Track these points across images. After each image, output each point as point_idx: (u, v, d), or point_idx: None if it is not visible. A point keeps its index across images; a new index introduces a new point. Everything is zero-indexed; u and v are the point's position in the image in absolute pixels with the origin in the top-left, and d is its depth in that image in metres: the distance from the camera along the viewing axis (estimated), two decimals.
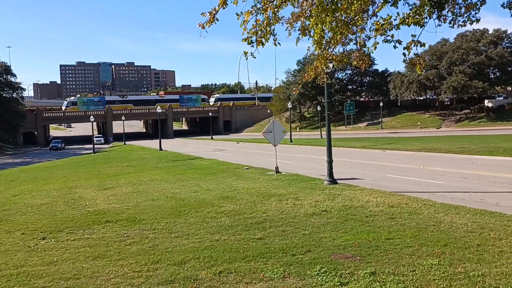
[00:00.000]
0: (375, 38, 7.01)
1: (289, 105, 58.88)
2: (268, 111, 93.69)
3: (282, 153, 31.24)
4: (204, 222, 10.43)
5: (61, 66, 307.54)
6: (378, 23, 6.90)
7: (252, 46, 6.53)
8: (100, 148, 55.37)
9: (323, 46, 7.50)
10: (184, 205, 12.78)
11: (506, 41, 69.04)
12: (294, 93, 59.89)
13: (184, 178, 20.09)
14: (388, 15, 6.92)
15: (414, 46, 6.87)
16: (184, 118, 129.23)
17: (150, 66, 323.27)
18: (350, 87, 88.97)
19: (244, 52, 6.57)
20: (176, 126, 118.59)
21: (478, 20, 7.29)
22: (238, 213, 11.27)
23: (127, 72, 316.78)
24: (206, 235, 9.10)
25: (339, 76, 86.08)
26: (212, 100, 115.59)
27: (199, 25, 6.63)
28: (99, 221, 10.94)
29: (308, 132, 79.01)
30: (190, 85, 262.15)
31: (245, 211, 11.50)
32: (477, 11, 7.27)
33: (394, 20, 6.85)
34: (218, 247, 8.13)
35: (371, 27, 7.37)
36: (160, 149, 46.28)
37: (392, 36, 6.83)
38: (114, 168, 28.70)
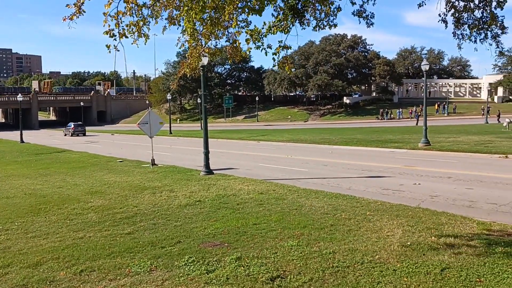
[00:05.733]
0: (248, 45, 7.24)
1: (169, 96, 57.90)
2: (147, 102, 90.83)
3: (161, 145, 30.68)
4: (67, 219, 9.77)
5: None
6: (249, 31, 7.15)
7: (115, 39, 6.16)
8: None
9: (195, 40, 7.48)
10: (46, 202, 11.81)
11: (361, 46, 78.57)
12: (172, 87, 59.45)
13: (48, 173, 18.50)
14: (255, 26, 7.21)
15: (281, 50, 7.28)
16: (52, 108, 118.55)
17: (11, 49, 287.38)
18: (229, 81, 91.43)
19: (106, 45, 6.03)
20: (42, 116, 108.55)
21: (335, 25, 7.98)
22: (107, 208, 10.80)
23: None
24: (68, 233, 8.56)
25: (219, 71, 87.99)
26: None
27: (64, 19, 6.08)
28: None
29: (189, 124, 78.81)
30: (60, 72, 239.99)
31: (114, 206, 11.06)
32: (334, 17, 8.00)
33: (262, 29, 7.17)
34: (82, 245, 7.71)
35: (240, 24, 7.57)
36: (22, 141, 41.88)
37: (262, 43, 7.12)
38: None
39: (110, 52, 6.22)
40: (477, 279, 5.56)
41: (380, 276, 5.78)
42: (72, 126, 55.44)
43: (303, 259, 6.50)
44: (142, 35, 6.63)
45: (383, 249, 6.83)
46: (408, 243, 7.10)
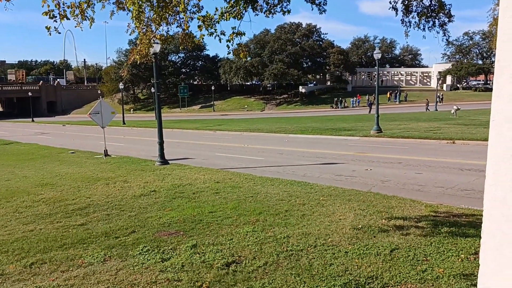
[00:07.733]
0: (200, 31, 7.09)
1: (121, 85, 56.21)
2: (99, 92, 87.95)
3: (114, 135, 29.94)
4: (16, 212, 9.42)
5: None
6: (200, 17, 7.01)
7: (55, 20, 5.82)
8: None
9: (144, 24, 7.23)
10: None
11: (316, 35, 79.00)
12: (123, 75, 57.58)
13: None
14: (207, 12, 7.07)
15: (235, 37, 7.21)
16: None
17: None
18: (184, 70, 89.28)
19: (46, 27, 5.72)
20: None
21: (289, 11, 8.00)
22: (59, 200, 10.47)
23: None
24: (18, 226, 8.25)
25: (173, 59, 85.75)
26: None
27: None
28: None
29: (144, 114, 77.07)
30: (5, 61, 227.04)
31: (66, 197, 10.74)
32: (287, 3, 8.02)
33: (215, 15, 7.05)
34: (32, 237, 7.46)
35: (191, 9, 7.42)
36: None
37: (215, 29, 7.00)
38: None
39: (50, 34, 5.91)
40: (424, 258, 5.85)
41: (332, 258, 5.97)
42: None
43: (258, 244, 6.60)
44: (86, 18, 6.35)
45: (335, 232, 7.05)
46: (360, 226, 7.37)
